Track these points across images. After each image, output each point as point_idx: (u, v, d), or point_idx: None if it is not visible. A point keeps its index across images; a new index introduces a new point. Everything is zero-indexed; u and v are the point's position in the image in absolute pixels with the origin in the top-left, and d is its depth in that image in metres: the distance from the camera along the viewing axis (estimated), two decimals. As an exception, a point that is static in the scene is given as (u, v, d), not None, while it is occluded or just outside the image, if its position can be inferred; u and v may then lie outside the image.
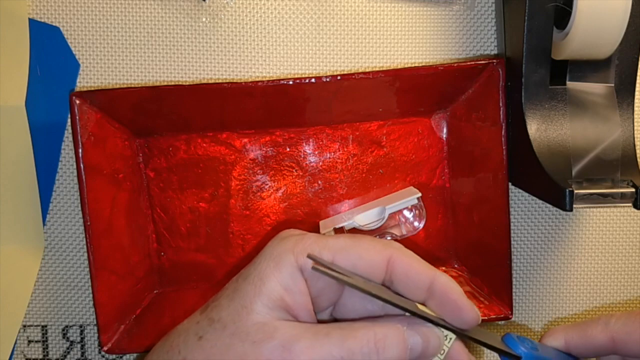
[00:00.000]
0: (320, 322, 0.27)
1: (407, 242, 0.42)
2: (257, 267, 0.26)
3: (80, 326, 0.43)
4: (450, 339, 0.26)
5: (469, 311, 0.26)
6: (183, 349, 0.26)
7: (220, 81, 0.41)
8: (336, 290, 0.27)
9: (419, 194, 0.40)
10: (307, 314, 0.26)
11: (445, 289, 0.26)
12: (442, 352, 0.26)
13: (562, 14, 0.34)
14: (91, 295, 0.38)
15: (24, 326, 0.42)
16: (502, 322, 0.43)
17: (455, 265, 0.43)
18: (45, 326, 0.43)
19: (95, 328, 0.43)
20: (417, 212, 0.41)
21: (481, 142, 0.39)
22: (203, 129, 0.40)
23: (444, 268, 0.43)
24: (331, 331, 0.25)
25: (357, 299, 0.28)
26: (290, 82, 0.36)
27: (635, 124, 0.36)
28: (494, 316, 0.39)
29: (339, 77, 0.37)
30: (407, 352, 0.25)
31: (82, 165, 0.36)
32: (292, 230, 0.28)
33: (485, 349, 0.29)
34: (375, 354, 0.25)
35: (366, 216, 0.40)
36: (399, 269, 0.26)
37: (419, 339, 0.25)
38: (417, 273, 0.26)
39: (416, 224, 0.41)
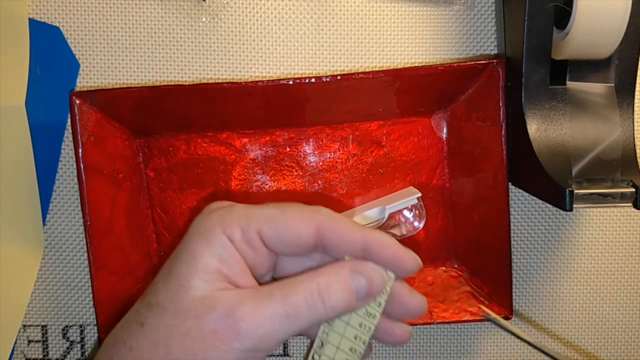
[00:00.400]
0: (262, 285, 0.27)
1: (407, 242, 0.42)
2: (187, 245, 0.26)
3: (80, 326, 0.43)
4: (391, 277, 0.27)
5: (409, 259, 0.26)
6: (128, 339, 0.25)
7: (220, 81, 0.41)
8: (270, 258, 0.27)
9: (419, 194, 0.40)
10: (248, 280, 0.26)
11: (381, 245, 0.26)
12: (385, 291, 0.26)
13: (562, 14, 0.34)
14: (91, 295, 0.38)
15: (24, 326, 0.42)
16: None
17: (455, 265, 0.43)
18: (45, 326, 0.43)
19: (95, 328, 0.43)
20: (417, 212, 0.41)
21: (481, 142, 0.39)
22: (203, 129, 0.40)
23: (443, 268, 0.43)
24: (273, 291, 0.25)
25: (295, 259, 0.28)
26: (290, 82, 0.36)
27: (635, 124, 0.36)
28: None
29: (339, 77, 0.37)
30: (352, 295, 0.25)
31: (82, 165, 0.36)
32: (219, 202, 0.28)
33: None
34: (321, 303, 0.25)
35: (366, 216, 0.40)
36: (330, 234, 0.26)
37: (363, 280, 0.25)
38: (349, 236, 0.26)
39: (416, 224, 0.41)
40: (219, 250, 0.25)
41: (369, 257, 0.26)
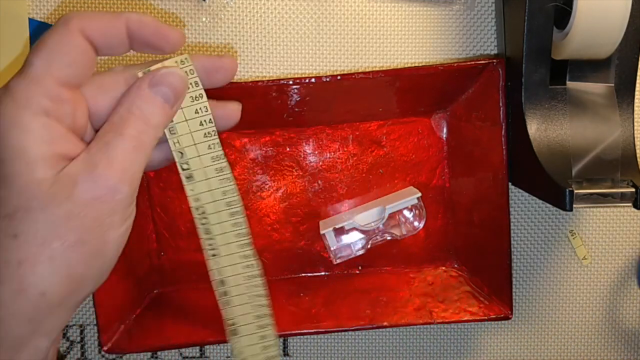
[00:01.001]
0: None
1: (407, 242, 0.42)
2: (6, 145, 0.24)
3: (80, 326, 0.43)
4: (185, 60, 0.28)
5: (172, 31, 0.27)
6: (6, 254, 0.24)
7: (220, 81, 0.41)
8: (79, 102, 0.26)
9: (419, 194, 0.40)
10: (78, 144, 0.25)
11: (141, 24, 0.26)
12: (190, 73, 0.28)
13: (562, 14, 0.34)
14: (91, 295, 0.38)
15: (24, 326, 0.42)
16: (502, 321, 0.43)
17: (455, 265, 0.43)
18: (45, 326, 0.43)
19: (95, 328, 0.43)
20: (417, 212, 0.41)
21: (481, 142, 0.39)
22: (203, 129, 0.40)
23: (443, 268, 0.43)
24: (93, 147, 0.25)
25: (104, 98, 0.27)
26: (290, 82, 0.36)
27: (635, 124, 0.36)
28: (493, 316, 0.39)
29: (339, 77, 0.37)
30: (165, 105, 0.26)
31: (82, 165, 0.36)
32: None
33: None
34: (147, 129, 0.26)
35: (366, 216, 0.40)
36: (93, 32, 0.26)
37: (165, 88, 0.26)
38: (112, 27, 0.26)
39: (416, 224, 0.41)
40: (42, 132, 0.24)
41: (135, 41, 0.27)
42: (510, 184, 0.38)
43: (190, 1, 0.41)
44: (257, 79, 0.39)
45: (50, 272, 0.24)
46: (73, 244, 0.24)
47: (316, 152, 0.41)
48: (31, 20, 0.40)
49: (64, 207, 0.24)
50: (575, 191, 0.32)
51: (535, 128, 0.35)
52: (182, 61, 0.28)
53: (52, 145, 0.24)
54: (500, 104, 0.37)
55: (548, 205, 0.43)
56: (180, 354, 0.43)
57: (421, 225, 0.41)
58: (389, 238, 0.41)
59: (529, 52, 0.34)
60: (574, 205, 0.32)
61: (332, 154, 0.41)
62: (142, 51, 0.28)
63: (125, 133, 0.25)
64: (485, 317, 0.39)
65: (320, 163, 0.42)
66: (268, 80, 0.36)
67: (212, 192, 0.29)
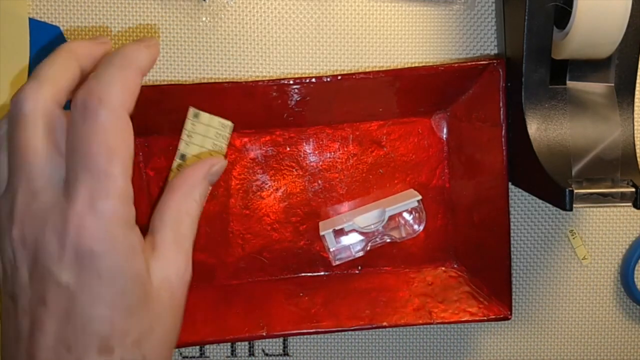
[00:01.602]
0: None
1: (407, 242, 0.42)
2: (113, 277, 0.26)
3: (80, 326, 0.43)
4: (226, 129, 0.34)
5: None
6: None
7: (220, 81, 0.41)
8: None
9: (419, 197, 0.40)
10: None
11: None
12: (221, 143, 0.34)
13: (562, 14, 0.34)
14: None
15: (24, 326, 0.42)
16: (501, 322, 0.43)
17: (455, 266, 0.43)
18: (45, 326, 0.42)
19: (95, 328, 0.42)
20: (417, 215, 0.41)
21: (481, 142, 0.39)
22: (203, 129, 0.40)
23: (443, 268, 0.43)
24: (170, 244, 0.30)
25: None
26: (291, 82, 0.37)
27: (635, 123, 0.36)
28: (493, 316, 0.39)
29: (339, 77, 0.37)
30: (208, 176, 0.32)
31: (81, 165, 0.36)
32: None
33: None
34: (200, 207, 0.31)
35: (366, 218, 0.40)
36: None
37: (215, 178, 0.32)
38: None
39: (416, 227, 0.41)
40: (143, 246, 0.28)
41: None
42: (510, 184, 0.38)
43: (191, 1, 0.41)
44: (257, 79, 0.39)
45: None
46: (172, 329, 0.28)
47: (316, 152, 0.41)
48: (31, 20, 0.40)
49: (169, 305, 0.28)
50: (575, 191, 0.32)
51: (535, 128, 0.35)
52: (224, 126, 0.33)
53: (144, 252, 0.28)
54: (501, 105, 0.37)
55: (548, 205, 0.43)
56: (180, 353, 0.43)
57: (421, 229, 0.41)
58: (388, 240, 0.41)
59: (529, 52, 0.34)
60: (574, 205, 0.32)
61: (332, 153, 0.41)
62: None
63: (194, 226, 0.30)
64: (485, 318, 0.39)
65: (320, 163, 0.42)
66: (268, 80, 0.36)
67: None
